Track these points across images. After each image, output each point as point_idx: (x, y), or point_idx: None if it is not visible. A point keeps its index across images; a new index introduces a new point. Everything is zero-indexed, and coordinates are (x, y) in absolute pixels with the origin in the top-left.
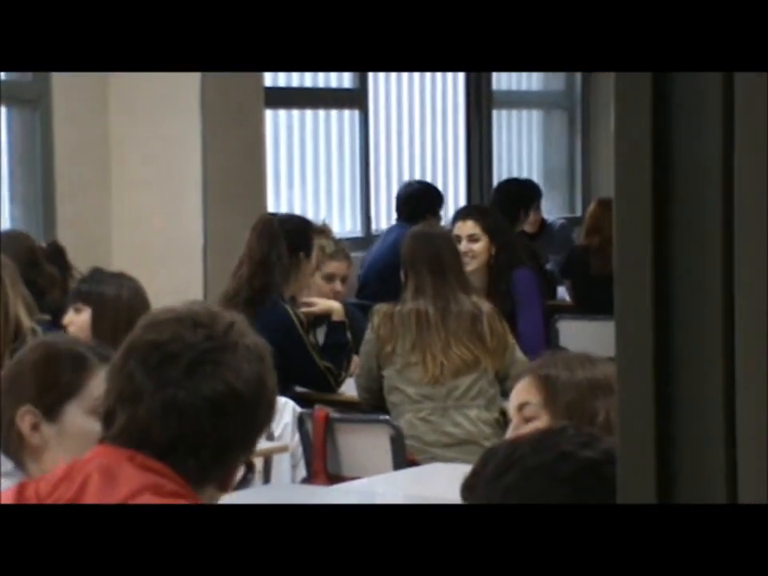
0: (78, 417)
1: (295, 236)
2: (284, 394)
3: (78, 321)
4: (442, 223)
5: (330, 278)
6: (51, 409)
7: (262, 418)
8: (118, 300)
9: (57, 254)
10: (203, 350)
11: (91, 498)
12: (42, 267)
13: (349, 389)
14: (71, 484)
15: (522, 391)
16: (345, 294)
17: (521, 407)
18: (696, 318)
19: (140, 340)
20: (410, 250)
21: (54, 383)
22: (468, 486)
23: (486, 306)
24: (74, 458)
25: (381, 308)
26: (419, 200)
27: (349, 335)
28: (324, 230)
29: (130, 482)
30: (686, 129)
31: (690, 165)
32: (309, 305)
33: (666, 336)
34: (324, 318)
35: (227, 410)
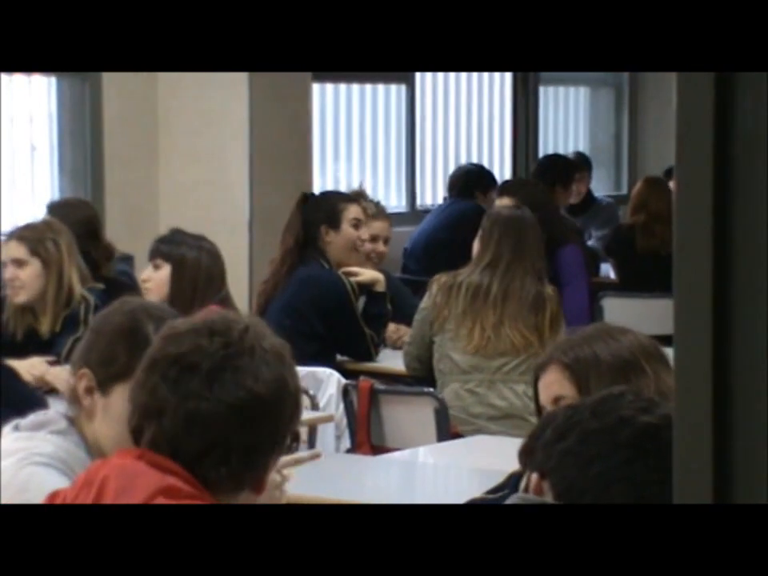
0: (125, 399)
1: (314, 211)
2: (326, 364)
3: (156, 277)
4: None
5: (373, 239)
6: (104, 382)
7: (288, 416)
8: (197, 263)
9: None
10: (221, 357)
11: (109, 501)
12: (100, 239)
13: (393, 360)
14: (91, 488)
15: (554, 384)
16: (386, 255)
17: (556, 401)
18: (756, 310)
19: (160, 354)
20: (498, 228)
21: (113, 359)
22: (526, 450)
23: (550, 294)
24: (115, 435)
25: (440, 277)
26: (473, 178)
27: (389, 306)
28: (360, 194)
29: (146, 485)
30: (748, 119)
31: (751, 159)
32: (353, 274)
33: (725, 318)
34: (364, 287)
35: (251, 416)
